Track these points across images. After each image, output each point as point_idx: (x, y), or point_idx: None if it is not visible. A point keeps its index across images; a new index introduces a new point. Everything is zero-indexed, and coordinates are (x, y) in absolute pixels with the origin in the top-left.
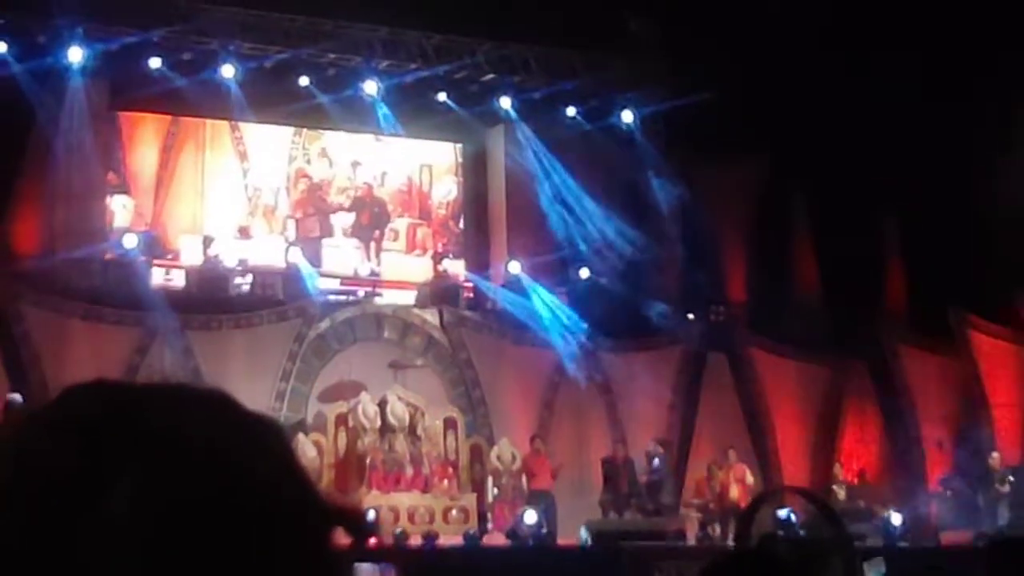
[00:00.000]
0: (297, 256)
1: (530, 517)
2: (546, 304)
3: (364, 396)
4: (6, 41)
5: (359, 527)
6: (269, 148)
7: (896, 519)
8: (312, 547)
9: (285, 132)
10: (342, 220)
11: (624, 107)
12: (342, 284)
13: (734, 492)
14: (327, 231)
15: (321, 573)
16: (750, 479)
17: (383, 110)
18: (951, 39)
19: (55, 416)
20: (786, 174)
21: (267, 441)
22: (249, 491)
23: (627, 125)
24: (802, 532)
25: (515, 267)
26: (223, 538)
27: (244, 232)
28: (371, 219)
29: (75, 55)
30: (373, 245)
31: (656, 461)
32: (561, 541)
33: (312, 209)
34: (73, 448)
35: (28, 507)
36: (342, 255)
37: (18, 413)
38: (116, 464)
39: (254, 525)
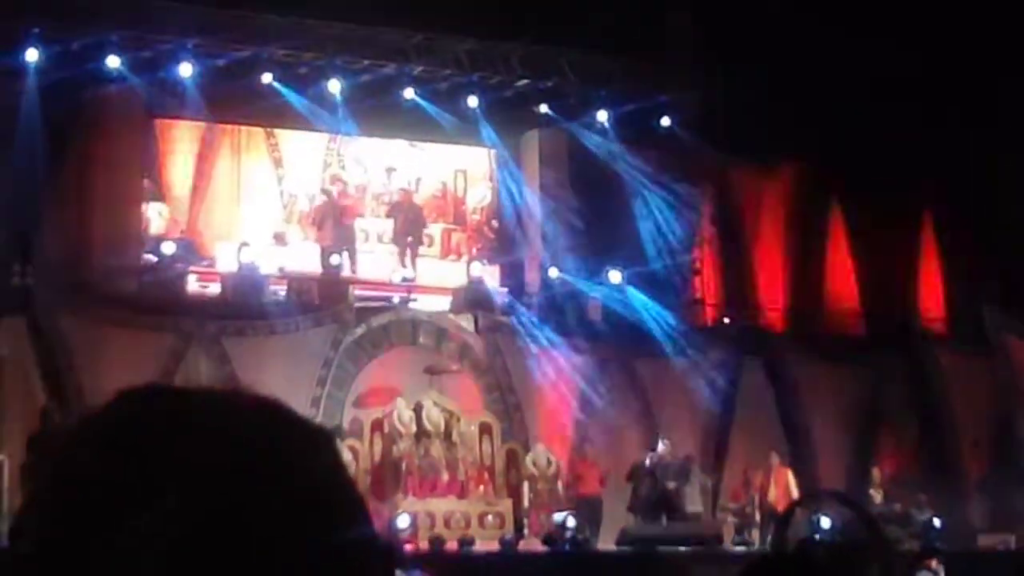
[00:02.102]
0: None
1: (568, 522)
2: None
3: (399, 402)
4: (41, 50)
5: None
6: (304, 154)
7: (934, 522)
8: (361, 559)
9: (320, 138)
10: (378, 226)
11: (660, 111)
12: (374, 289)
13: (772, 495)
14: (346, 240)
15: None
16: (793, 484)
17: (418, 115)
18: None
19: (102, 425)
20: (822, 178)
21: (317, 451)
22: (296, 502)
23: (662, 129)
24: (839, 537)
25: (550, 272)
26: (264, 554)
27: (279, 238)
28: (406, 225)
29: (112, 62)
30: (408, 251)
31: (649, 463)
32: (603, 547)
33: (330, 220)
34: (116, 461)
35: (65, 517)
36: (377, 261)
37: (55, 420)
38: (159, 479)
39: (300, 536)
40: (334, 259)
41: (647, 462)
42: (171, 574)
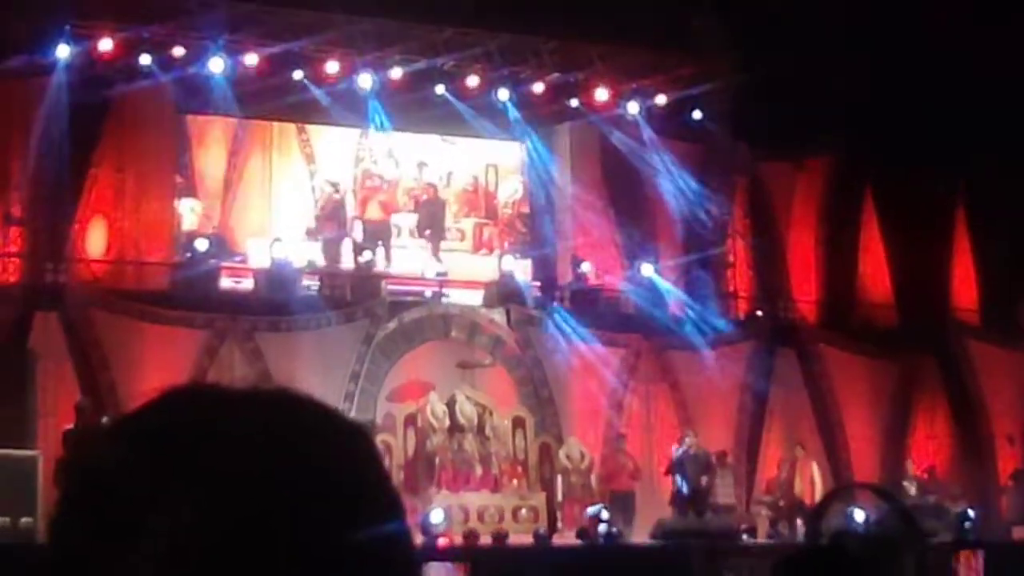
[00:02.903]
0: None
1: (602, 514)
2: (613, 302)
3: (432, 396)
4: (73, 46)
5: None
6: (335, 150)
7: (967, 514)
8: (391, 550)
9: (351, 134)
10: (410, 221)
11: (689, 104)
12: (406, 284)
13: (798, 488)
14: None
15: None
16: (817, 477)
17: (449, 110)
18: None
19: (133, 430)
20: (854, 169)
21: (349, 448)
22: (326, 503)
23: (693, 122)
24: (874, 529)
25: (582, 266)
26: (292, 560)
27: (312, 234)
28: (427, 219)
29: (142, 59)
30: (430, 245)
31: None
32: (636, 540)
33: (331, 220)
34: (144, 466)
35: (92, 521)
36: (410, 256)
37: (89, 416)
38: (186, 485)
39: (330, 537)
40: (365, 255)
41: (676, 456)
42: None
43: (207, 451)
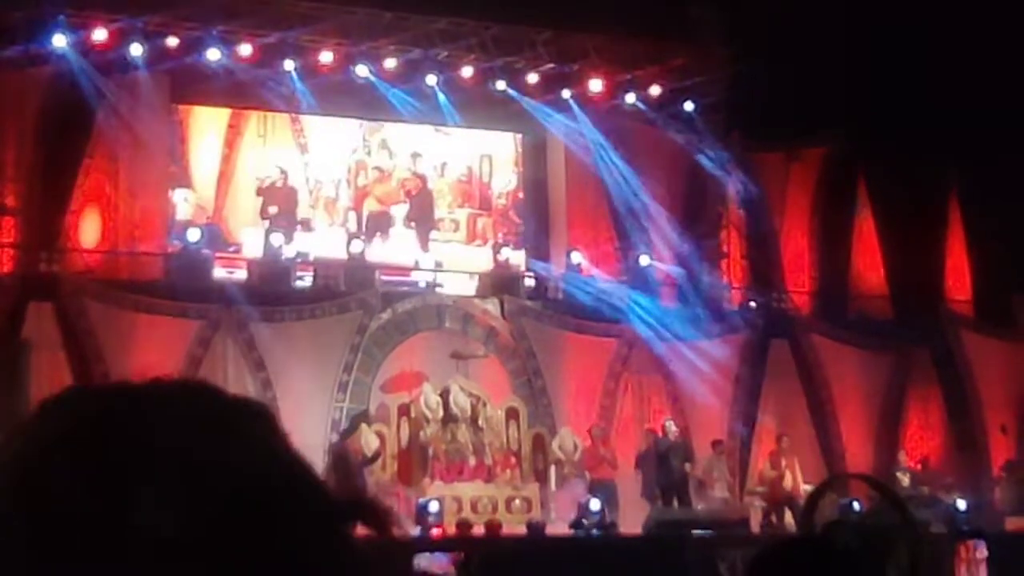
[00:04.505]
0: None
1: (594, 505)
2: (607, 293)
3: (426, 387)
4: (67, 36)
5: (373, 516)
6: (330, 140)
7: (960, 505)
8: (312, 539)
9: (346, 124)
10: (403, 212)
11: (684, 95)
12: (400, 275)
13: (788, 482)
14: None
15: (328, 565)
16: (802, 470)
17: (443, 101)
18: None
19: (34, 435)
20: (848, 160)
21: (249, 432)
22: (228, 491)
23: (688, 113)
24: (867, 519)
25: (576, 256)
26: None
27: (305, 224)
28: (415, 210)
29: (135, 49)
30: (418, 236)
31: (660, 447)
32: (624, 530)
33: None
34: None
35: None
36: (403, 246)
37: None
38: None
39: (235, 528)
40: (355, 245)
41: (657, 446)
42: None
43: (111, 451)
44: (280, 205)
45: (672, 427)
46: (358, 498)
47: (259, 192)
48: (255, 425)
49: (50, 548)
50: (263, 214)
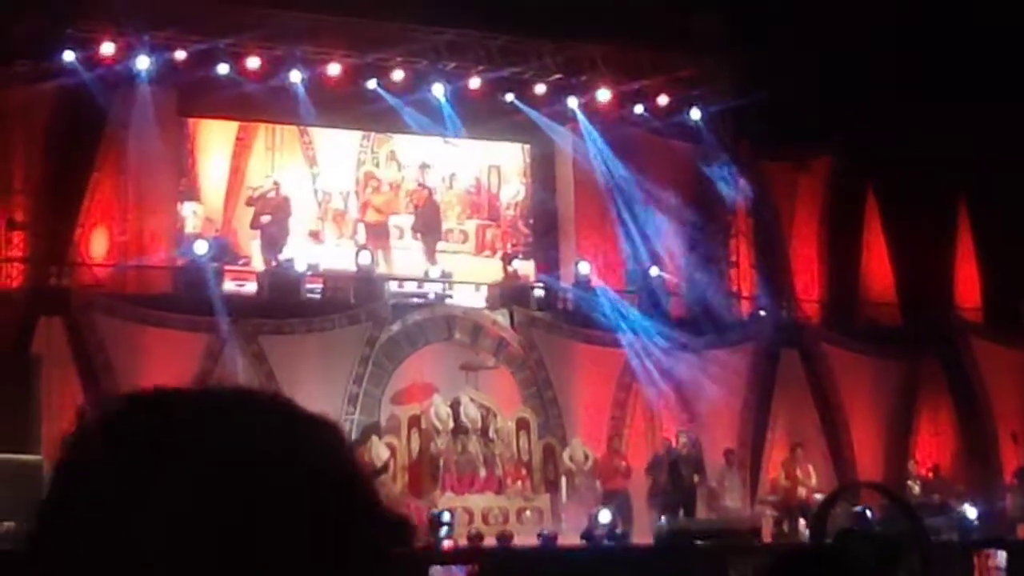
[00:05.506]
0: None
1: (604, 516)
2: (616, 304)
3: (436, 398)
4: (75, 51)
5: (406, 532)
6: (338, 152)
7: (971, 513)
8: (369, 553)
9: (354, 136)
10: (409, 223)
11: (691, 105)
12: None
13: (802, 491)
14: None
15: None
16: (814, 479)
17: (450, 112)
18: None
19: (100, 432)
20: (856, 169)
21: (322, 449)
22: (293, 499)
23: (694, 123)
24: (878, 527)
25: (585, 267)
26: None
27: (315, 236)
28: (422, 222)
29: (143, 63)
30: (424, 247)
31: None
32: (636, 540)
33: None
34: (110, 465)
35: (74, 520)
36: (412, 257)
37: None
38: (149, 483)
39: (300, 534)
40: (363, 257)
41: (669, 455)
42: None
43: (178, 453)
44: (273, 214)
45: (684, 439)
46: (404, 517)
47: (250, 202)
48: (325, 439)
49: (90, 531)
50: (254, 224)
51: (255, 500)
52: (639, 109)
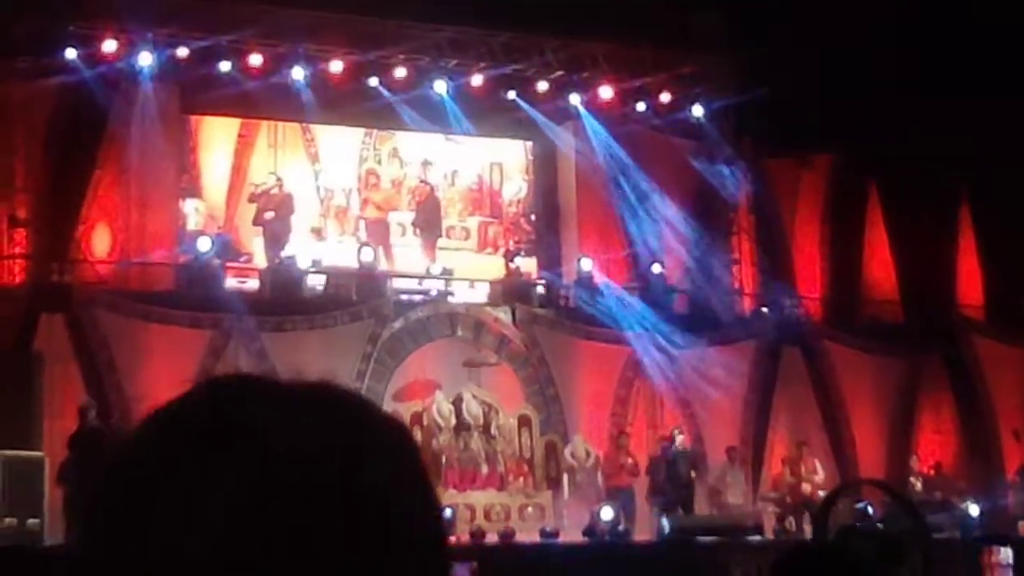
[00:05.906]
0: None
1: (607, 513)
2: (619, 301)
3: (439, 395)
4: (77, 48)
5: None
6: (340, 149)
7: (974, 510)
8: (430, 555)
9: (356, 133)
10: (410, 219)
11: (693, 102)
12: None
13: (806, 488)
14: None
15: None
16: (820, 475)
17: (452, 109)
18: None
19: (167, 420)
20: (858, 166)
21: (391, 450)
22: (358, 503)
23: (696, 120)
24: (880, 525)
25: (587, 264)
26: (317, 555)
27: (317, 233)
28: (423, 218)
29: (145, 60)
30: (424, 244)
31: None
32: (638, 538)
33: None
34: (174, 455)
35: (134, 505)
36: (413, 254)
37: (92, 418)
38: (214, 477)
39: (362, 538)
40: (365, 254)
41: (666, 453)
42: (229, 568)
43: (247, 447)
44: (276, 211)
45: (678, 436)
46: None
47: (252, 199)
48: (395, 440)
49: (144, 521)
50: (257, 220)
51: (317, 496)
52: (641, 106)
